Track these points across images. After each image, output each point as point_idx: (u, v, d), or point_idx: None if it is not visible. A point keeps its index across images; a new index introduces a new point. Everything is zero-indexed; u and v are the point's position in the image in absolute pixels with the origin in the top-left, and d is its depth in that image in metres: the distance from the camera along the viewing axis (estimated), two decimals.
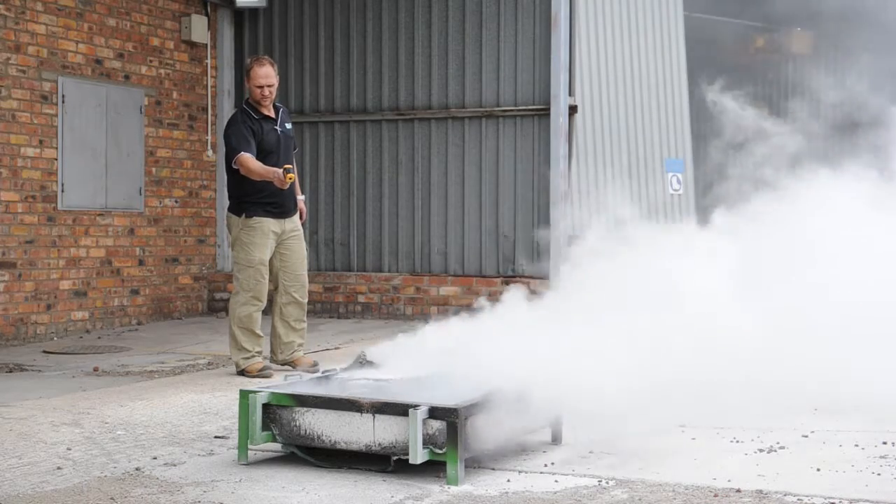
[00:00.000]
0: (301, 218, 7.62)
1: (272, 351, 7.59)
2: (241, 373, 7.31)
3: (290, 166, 7.13)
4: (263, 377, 7.08)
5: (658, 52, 18.77)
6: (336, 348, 8.79)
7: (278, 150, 7.31)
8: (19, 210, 9.63)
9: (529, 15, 10.68)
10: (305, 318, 7.62)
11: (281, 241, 7.41)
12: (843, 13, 14.42)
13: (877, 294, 6.01)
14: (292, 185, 7.23)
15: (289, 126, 7.50)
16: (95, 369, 7.79)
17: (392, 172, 11.28)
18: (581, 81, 16.67)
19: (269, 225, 7.30)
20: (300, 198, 7.64)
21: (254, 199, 7.27)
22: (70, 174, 10.07)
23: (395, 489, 4.31)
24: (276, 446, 4.83)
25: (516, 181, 10.75)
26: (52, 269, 9.94)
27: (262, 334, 7.39)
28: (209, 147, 11.61)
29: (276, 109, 7.44)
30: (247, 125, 7.23)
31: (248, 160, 7.10)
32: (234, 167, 7.19)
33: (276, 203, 7.30)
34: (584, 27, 17.31)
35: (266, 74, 7.27)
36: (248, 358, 7.33)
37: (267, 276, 7.37)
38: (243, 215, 7.31)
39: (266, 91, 7.27)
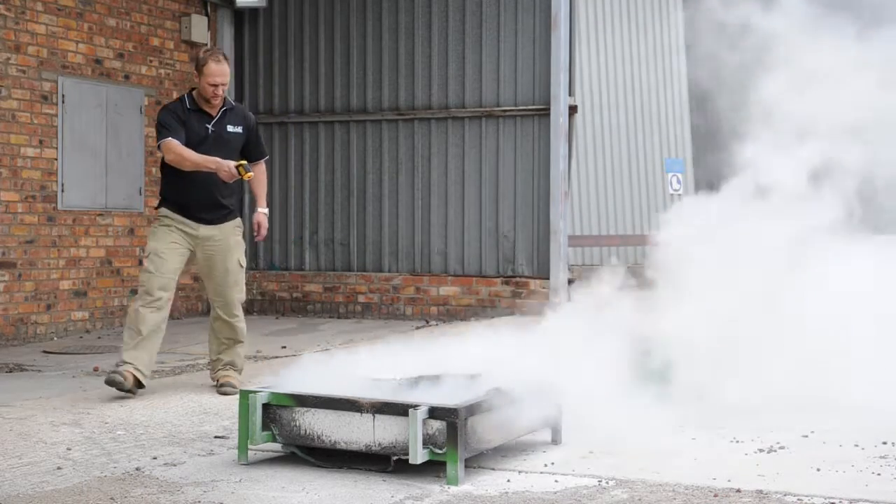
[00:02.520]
0: (258, 233, 6.90)
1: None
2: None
3: (245, 162, 6.59)
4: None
5: (658, 52, 18.79)
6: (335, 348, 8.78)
7: (206, 148, 6.62)
8: (19, 210, 9.63)
9: (529, 15, 10.67)
10: (240, 338, 6.85)
11: (197, 247, 6.76)
12: None
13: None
14: (225, 194, 6.71)
15: (232, 129, 6.77)
16: (95, 369, 7.78)
17: (392, 172, 11.27)
18: (581, 81, 16.70)
19: (175, 221, 6.73)
20: (262, 210, 6.94)
21: (166, 194, 6.80)
22: (70, 174, 10.07)
23: (395, 489, 4.31)
24: (276, 446, 4.83)
25: (516, 181, 10.75)
26: (52, 269, 9.94)
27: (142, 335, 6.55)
28: None
29: (227, 109, 6.81)
30: (175, 114, 6.73)
31: (177, 146, 6.55)
32: (161, 154, 6.71)
33: (181, 205, 6.70)
34: (584, 27, 17.34)
35: (223, 73, 6.66)
36: (118, 365, 6.56)
37: (161, 268, 6.60)
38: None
39: (220, 90, 6.70)
